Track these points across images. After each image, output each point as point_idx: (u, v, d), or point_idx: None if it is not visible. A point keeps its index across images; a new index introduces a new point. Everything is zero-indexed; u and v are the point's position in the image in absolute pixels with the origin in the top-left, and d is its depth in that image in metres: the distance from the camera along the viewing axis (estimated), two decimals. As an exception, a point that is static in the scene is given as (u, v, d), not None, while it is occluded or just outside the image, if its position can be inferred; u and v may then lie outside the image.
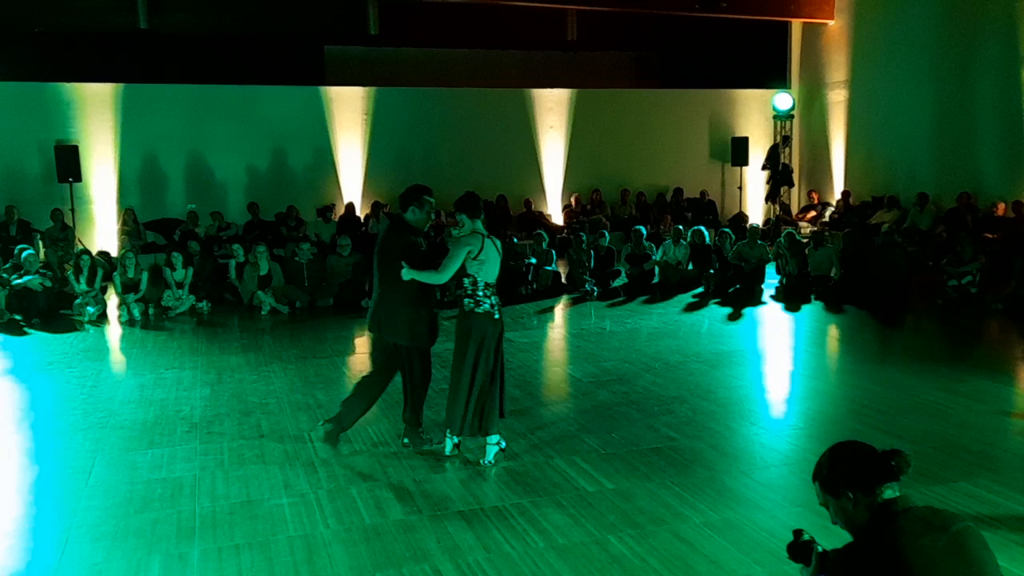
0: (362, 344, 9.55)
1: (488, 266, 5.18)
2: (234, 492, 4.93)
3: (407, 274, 5.18)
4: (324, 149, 15.77)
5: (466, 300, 5.21)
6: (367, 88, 16.00)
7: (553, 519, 4.46)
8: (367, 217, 15.13)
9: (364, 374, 5.81)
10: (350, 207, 15.29)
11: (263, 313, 10.75)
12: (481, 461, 5.27)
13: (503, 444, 5.35)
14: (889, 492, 2.43)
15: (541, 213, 16.57)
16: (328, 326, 10.10)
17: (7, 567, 4.10)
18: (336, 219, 15.05)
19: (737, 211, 17.21)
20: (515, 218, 15.91)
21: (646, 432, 5.87)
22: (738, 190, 17.58)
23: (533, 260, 12.07)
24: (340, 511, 4.63)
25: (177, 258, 11.13)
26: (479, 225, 5.24)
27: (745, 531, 4.25)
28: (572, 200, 16.70)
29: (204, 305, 11.05)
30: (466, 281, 5.21)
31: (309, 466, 5.31)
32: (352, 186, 15.90)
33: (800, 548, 2.62)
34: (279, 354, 8.56)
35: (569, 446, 5.60)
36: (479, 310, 5.18)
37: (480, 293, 5.18)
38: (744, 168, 17.45)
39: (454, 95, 16.41)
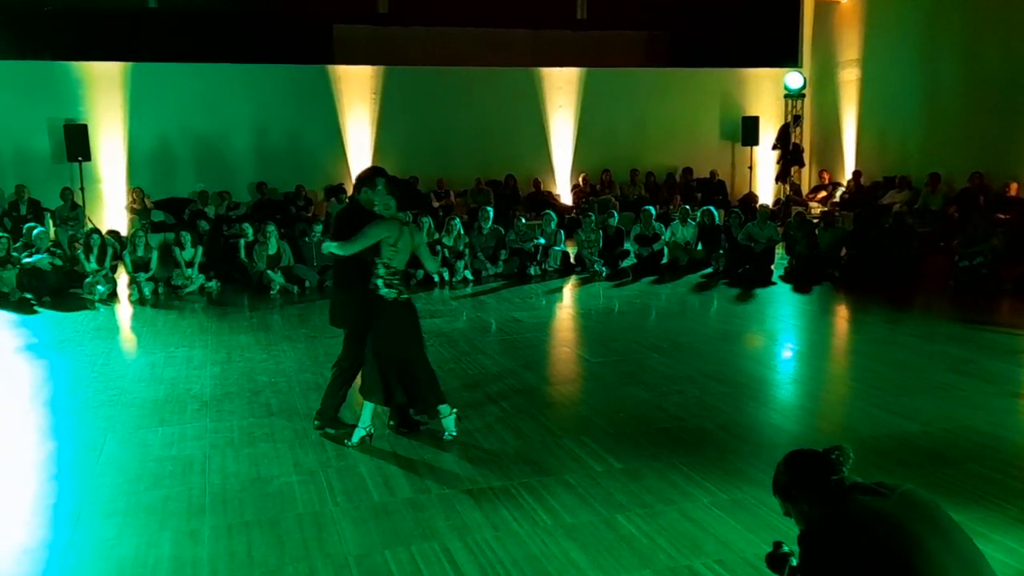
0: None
1: (401, 255, 5.16)
2: (244, 470, 4.96)
3: (326, 247, 5.29)
4: (333, 128, 15.74)
5: (377, 281, 5.18)
6: (376, 67, 15.94)
7: (561, 498, 4.47)
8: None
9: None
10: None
11: (272, 292, 10.76)
12: (346, 442, 5.27)
13: (371, 431, 5.31)
14: (834, 478, 2.64)
15: (550, 193, 16.52)
16: (337, 305, 10.10)
17: (22, 542, 4.14)
18: (347, 199, 15.05)
19: (747, 191, 17.13)
20: (524, 198, 15.87)
21: (654, 412, 5.87)
22: (748, 170, 17.48)
23: (542, 240, 12.05)
24: (349, 489, 4.66)
25: (186, 237, 11.15)
26: (404, 214, 5.24)
27: (754, 511, 4.25)
28: (581, 180, 16.64)
29: (214, 284, 11.08)
30: (378, 264, 5.15)
31: (318, 444, 5.34)
32: (361, 165, 15.85)
33: (777, 559, 2.87)
34: (288, 333, 8.58)
35: (577, 425, 5.61)
36: (383, 293, 5.16)
37: (387, 276, 5.15)
38: (755, 148, 17.35)
39: (463, 74, 16.33)
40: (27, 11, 14.92)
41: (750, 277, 11.29)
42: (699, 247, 12.25)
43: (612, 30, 18.21)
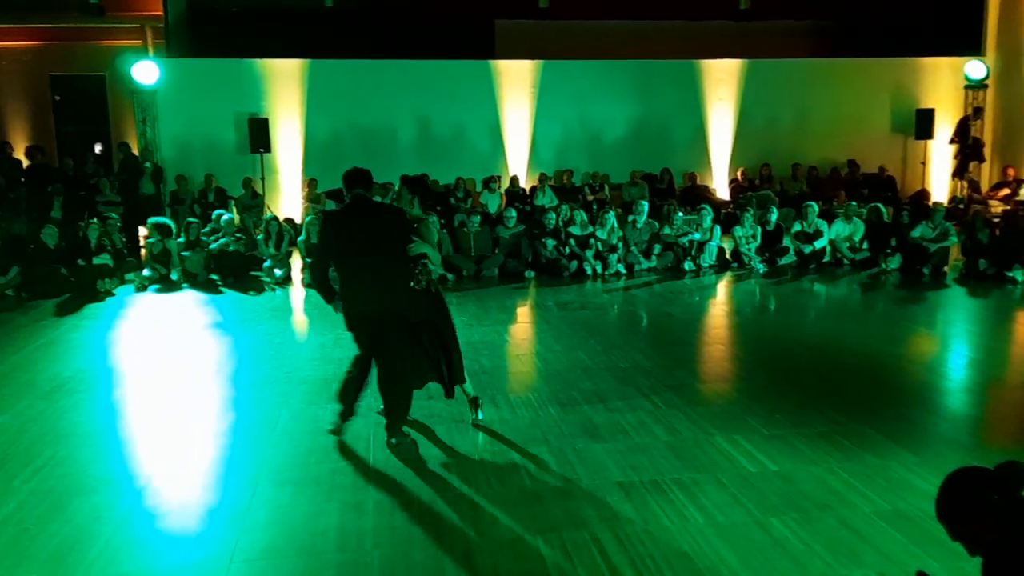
0: (524, 313, 9.76)
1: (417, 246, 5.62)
2: (404, 449, 5.21)
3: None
4: (493, 122, 16.06)
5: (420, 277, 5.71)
6: (535, 61, 16.14)
7: (713, 496, 4.45)
8: (532, 189, 15.34)
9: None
10: (514, 180, 15.55)
11: (431, 280, 11.13)
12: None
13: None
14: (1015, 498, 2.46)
15: (706, 187, 16.21)
16: (493, 295, 10.37)
17: (207, 504, 4.54)
18: (502, 190, 15.35)
19: (919, 188, 16.20)
20: (679, 192, 15.66)
21: (812, 414, 5.71)
22: (921, 165, 16.52)
23: (697, 235, 11.88)
24: (502, 474, 4.82)
25: (354, 226, 11.70)
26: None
27: (918, 524, 4.08)
28: (739, 174, 16.24)
29: (378, 271, 11.57)
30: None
31: (472, 428, 5.54)
32: (518, 158, 16.14)
33: None
34: (446, 321, 8.85)
35: (730, 424, 5.54)
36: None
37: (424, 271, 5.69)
38: (929, 142, 16.37)
39: (621, 66, 16.26)
40: (216, 12, 16.08)
41: (921, 278, 10.71)
42: (864, 246, 11.73)
43: (775, 20, 17.60)
